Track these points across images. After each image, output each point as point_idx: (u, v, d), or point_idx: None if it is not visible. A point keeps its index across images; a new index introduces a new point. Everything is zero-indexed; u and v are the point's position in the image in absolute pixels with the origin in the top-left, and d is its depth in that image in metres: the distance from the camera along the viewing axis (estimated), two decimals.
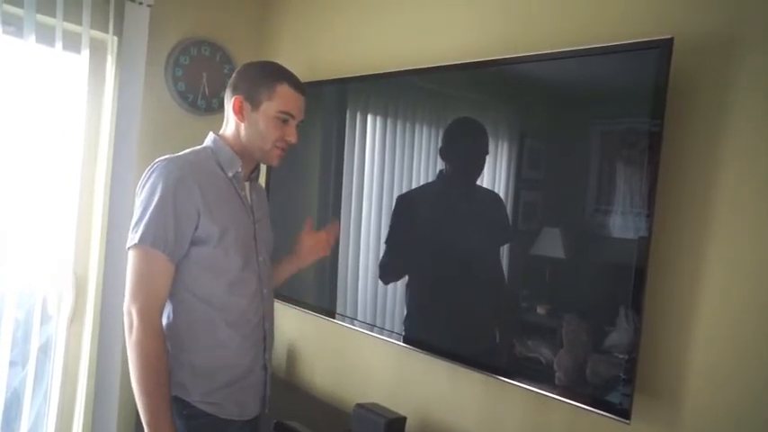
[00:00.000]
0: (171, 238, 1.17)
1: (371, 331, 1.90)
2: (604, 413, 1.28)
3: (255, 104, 1.27)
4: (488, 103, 1.67)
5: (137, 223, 1.18)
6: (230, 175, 1.29)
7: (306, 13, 2.36)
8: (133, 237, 1.17)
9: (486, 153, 1.57)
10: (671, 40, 1.19)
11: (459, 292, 1.68)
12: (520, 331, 1.54)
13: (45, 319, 2.01)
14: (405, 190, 1.84)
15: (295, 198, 2.27)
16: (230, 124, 1.32)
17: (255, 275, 1.32)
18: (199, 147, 1.32)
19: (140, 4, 2.05)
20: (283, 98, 1.27)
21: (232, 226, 1.25)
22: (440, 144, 1.72)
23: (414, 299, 1.82)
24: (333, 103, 2.12)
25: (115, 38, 2.04)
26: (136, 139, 2.05)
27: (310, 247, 1.54)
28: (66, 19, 1.88)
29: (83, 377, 2.06)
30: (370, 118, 1.99)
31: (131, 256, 1.19)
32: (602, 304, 1.37)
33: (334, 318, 2.03)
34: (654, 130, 1.22)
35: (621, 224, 1.31)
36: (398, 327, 1.83)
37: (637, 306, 1.24)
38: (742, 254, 1.21)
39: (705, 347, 1.26)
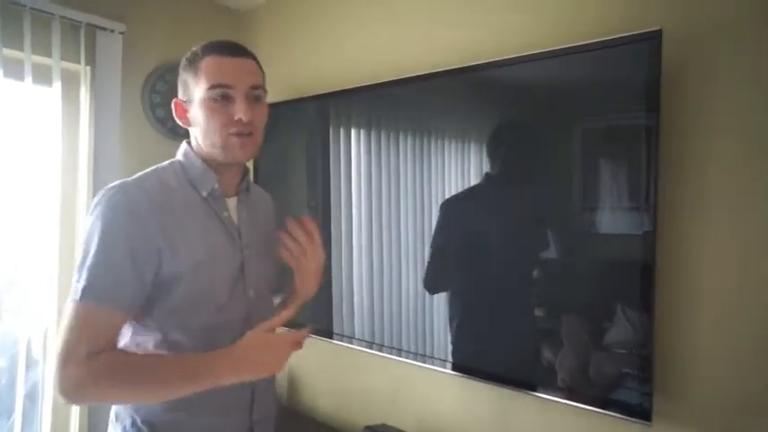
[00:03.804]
0: (128, 291, 0.94)
1: (371, 349, 1.85)
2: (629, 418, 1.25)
3: (190, 98, 1.03)
4: (478, 109, 1.66)
5: (79, 269, 0.94)
6: (204, 194, 1.04)
7: (281, 31, 2.34)
8: (76, 288, 0.92)
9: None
10: (659, 32, 1.18)
11: (475, 302, 1.64)
12: (532, 336, 1.51)
13: (30, 364, 1.92)
14: (393, 202, 1.81)
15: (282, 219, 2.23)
16: (190, 135, 1.09)
17: (241, 315, 1.06)
18: (165, 163, 1.08)
19: (112, 32, 2.01)
20: (208, 71, 0.99)
21: (207, 259, 1.00)
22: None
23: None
24: (315, 119, 2.09)
25: (88, 68, 1.99)
26: (116, 169, 1.99)
27: (305, 274, 1.17)
28: (34, 52, 1.82)
29: (74, 423, 1.96)
30: (353, 132, 1.97)
31: (70, 309, 0.92)
32: (602, 305, 1.34)
33: (332, 338, 1.98)
34: (650, 123, 1.21)
35: (626, 220, 1.30)
36: (397, 342, 1.79)
37: (646, 303, 1.22)
38: (745, 240, 1.20)
39: (719, 341, 1.24)
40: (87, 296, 0.91)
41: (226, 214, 1.07)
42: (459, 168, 1.66)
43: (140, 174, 1.04)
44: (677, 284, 1.28)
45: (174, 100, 1.07)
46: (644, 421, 1.21)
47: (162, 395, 0.95)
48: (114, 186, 0.97)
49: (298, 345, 1.01)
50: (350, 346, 1.93)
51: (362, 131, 1.94)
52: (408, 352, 1.75)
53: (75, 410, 1.96)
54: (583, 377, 1.36)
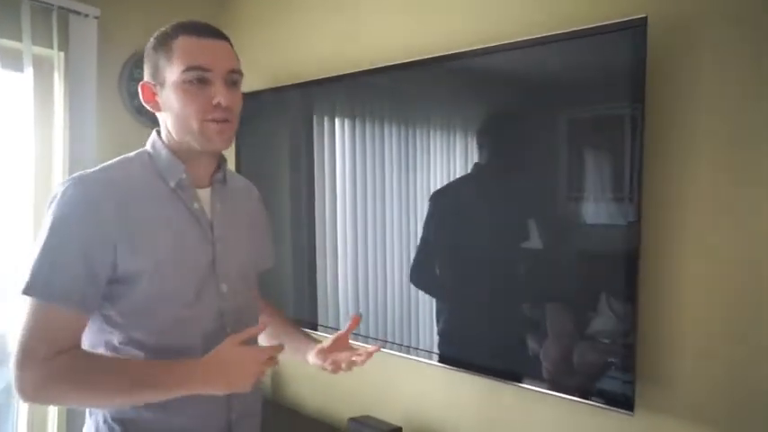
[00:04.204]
0: (80, 288, 0.89)
1: (356, 340, 1.83)
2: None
3: (161, 81, 0.96)
4: (459, 97, 1.63)
5: (30, 263, 0.90)
6: (172, 184, 0.98)
7: (263, 16, 2.28)
8: (25, 281, 0.89)
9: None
10: (645, 20, 1.16)
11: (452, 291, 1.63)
12: (516, 327, 1.50)
13: (5, 359, 1.86)
14: (378, 192, 1.78)
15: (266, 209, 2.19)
16: (159, 121, 1.03)
17: (212, 311, 1.00)
18: (132, 153, 1.02)
19: (86, 16, 1.94)
20: (182, 52, 0.93)
21: (172, 255, 0.95)
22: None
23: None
24: (299, 107, 2.05)
25: (61, 53, 1.93)
26: (93, 160, 1.93)
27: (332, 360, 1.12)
28: (3, 35, 1.76)
29: (52, 422, 1.92)
30: (338, 120, 1.93)
31: (26, 306, 0.89)
32: (586, 295, 1.34)
33: (316, 330, 1.96)
34: (634, 113, 1.20)
35: (610, 210, 1.29)
36: (382, 334, 1.77)
37: (630, 293, 1.22)
38: (730, 230, 1.20)
39: (703, 331, 1.24)
40: (34, 293, 0.88)
41: (196, 206, 1.01)
42: (445, 158, 1.64)
43: (103, 165, 0.99)
44: (661, 274, 1.27)
45: (141, 83, 1.00)
46: (626, 411, 1.21)
47: (125, 401, 0.92)
48: (72, 179, 0.93)
49: (271, 360, 0.97)
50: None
51: (347, 120, 1.90)
52: (394, 344, 1.73)
53: (53, 408, 1.91)
54: (566, 367, 1.36)
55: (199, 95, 0.94)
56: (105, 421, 0.97)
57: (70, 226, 0.90)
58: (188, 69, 0.93)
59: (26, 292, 0.88)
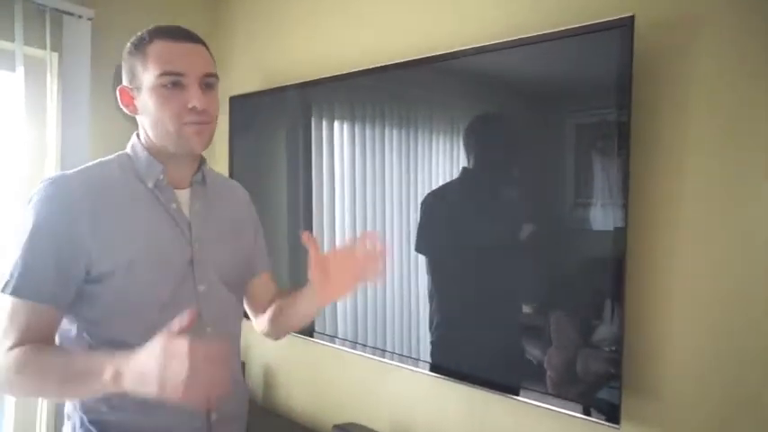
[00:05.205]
0: (50, 285, 0.91)
1: (354, 349, 1.80)
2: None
3: (138, 86, 0.97)
4: (447, 99, 1.59)
5: (7, 260, 0.93)
6: (150, 185, 1.00)
7: (259, 17, 2.26)
8: (3, 279, 0.92)
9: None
10: (632, 19, 1.12)
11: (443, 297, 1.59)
12: (506, 338, 1.47)
13: None
14: (378, 197, 1.75)
15: (262, 212, 2.16)
16: (138, 125, 1.05)
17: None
18: (112, 155, 1.05)
19: (80, 17, 1.92)
20: (157, 57, 0.94)
21: (147, 255, 0.96)
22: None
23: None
24: (295, 108, 2.02)
25: (55, 54, 1.91)
26: (86, 162, 1.87)
27: (337, 274, 1.03)
28: None
29: (39, 420, 1.88)
30: (336, 121, 1.90)
31: (1, 302, 0.92)
32: (572, 304, 1.29)
33: (312, 336, 1.93)
34: (621, 118, 1.16)
35: (597, 216, 1.24)
36: (381, 342, 1.74)
37: (617, 301, 1.18)
38: (714, 239, 1.16)
39: (686, 340, 1.19)
40: (7, 289, 0.91)
41: (174, 206, 1.02)
42: (448, 161, 1.60)
43: (83, 166, 1.00)
44: (648, 282, 1.23)
45: (118, 87, 1.01)
46: (612, 424, 1.17)
47: (67, 394, 0.93)
48: (51, 178, 0.95)
49: (213, 363, 0.77)
50: (330, 344, 1.88)
51: (345, 120, 1.87)
52: (393, 353, 1.69)
53: (42, 408, 1.88)
54: (553, 377, 1.32)
55: (174, 99, 0.95)
56: (82, 425, 0.96)
57: (45, 226, 0.92)
58: (163, 74, 0.94)
59: (3, 289, 0.91)
